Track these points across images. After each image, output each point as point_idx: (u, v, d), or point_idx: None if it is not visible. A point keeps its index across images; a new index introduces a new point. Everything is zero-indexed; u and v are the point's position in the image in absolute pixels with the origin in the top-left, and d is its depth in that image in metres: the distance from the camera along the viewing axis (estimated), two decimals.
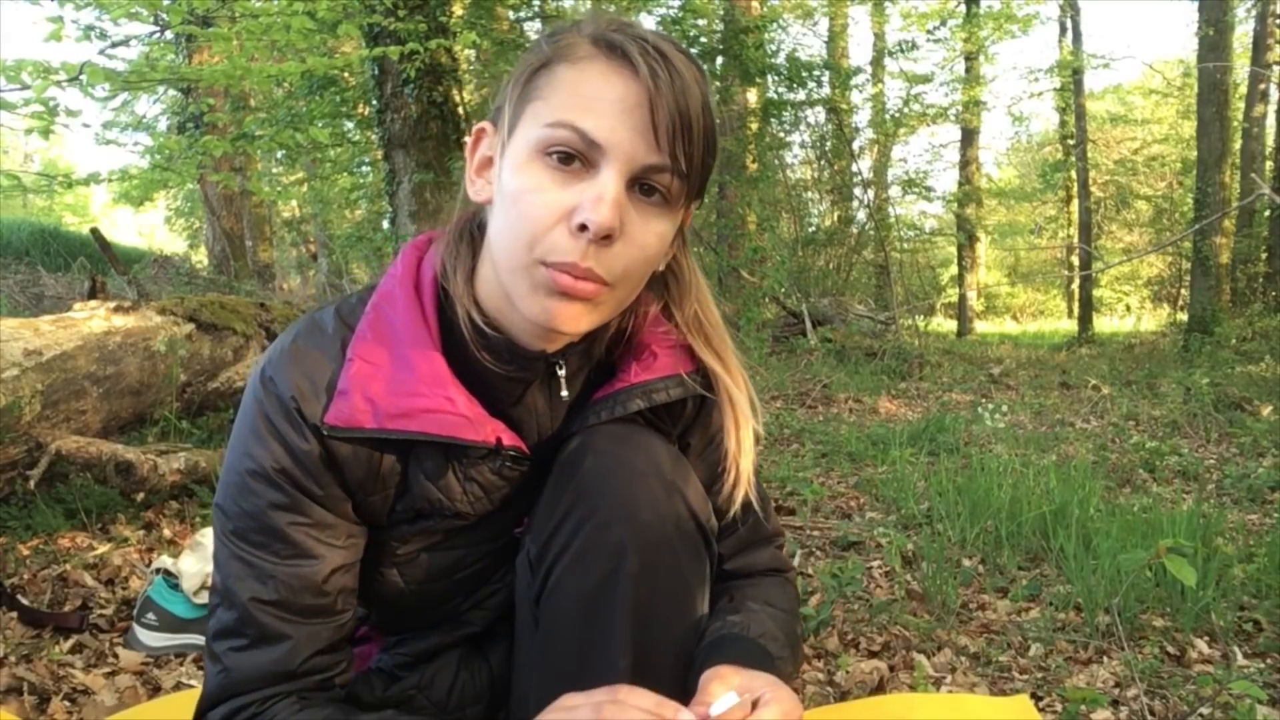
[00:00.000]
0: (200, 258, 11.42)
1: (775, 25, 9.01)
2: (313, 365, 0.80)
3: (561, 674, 0.81)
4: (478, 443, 0.81)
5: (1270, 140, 10.88)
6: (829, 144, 10.37)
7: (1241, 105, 10.47)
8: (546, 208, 0.73)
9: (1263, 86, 10.15)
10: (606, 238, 0.72)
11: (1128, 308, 16.88)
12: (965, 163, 13.19)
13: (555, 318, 0.75)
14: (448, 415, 0.79)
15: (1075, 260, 14.21)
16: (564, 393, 0.87)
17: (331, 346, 0.81)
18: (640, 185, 0.75)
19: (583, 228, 0.71)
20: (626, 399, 0.86)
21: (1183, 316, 10.59)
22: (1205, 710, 1.45)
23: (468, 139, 0.85)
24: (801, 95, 8.99)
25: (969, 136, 13.30)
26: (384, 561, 0.88)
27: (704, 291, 0.92)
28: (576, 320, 0.76)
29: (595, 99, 0.73)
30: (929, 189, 11.83)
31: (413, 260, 0.86)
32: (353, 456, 0.81)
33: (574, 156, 0.73)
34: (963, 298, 12.85)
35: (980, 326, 14.36)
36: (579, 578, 0.80)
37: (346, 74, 6.69)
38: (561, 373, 0.86)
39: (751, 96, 8.65)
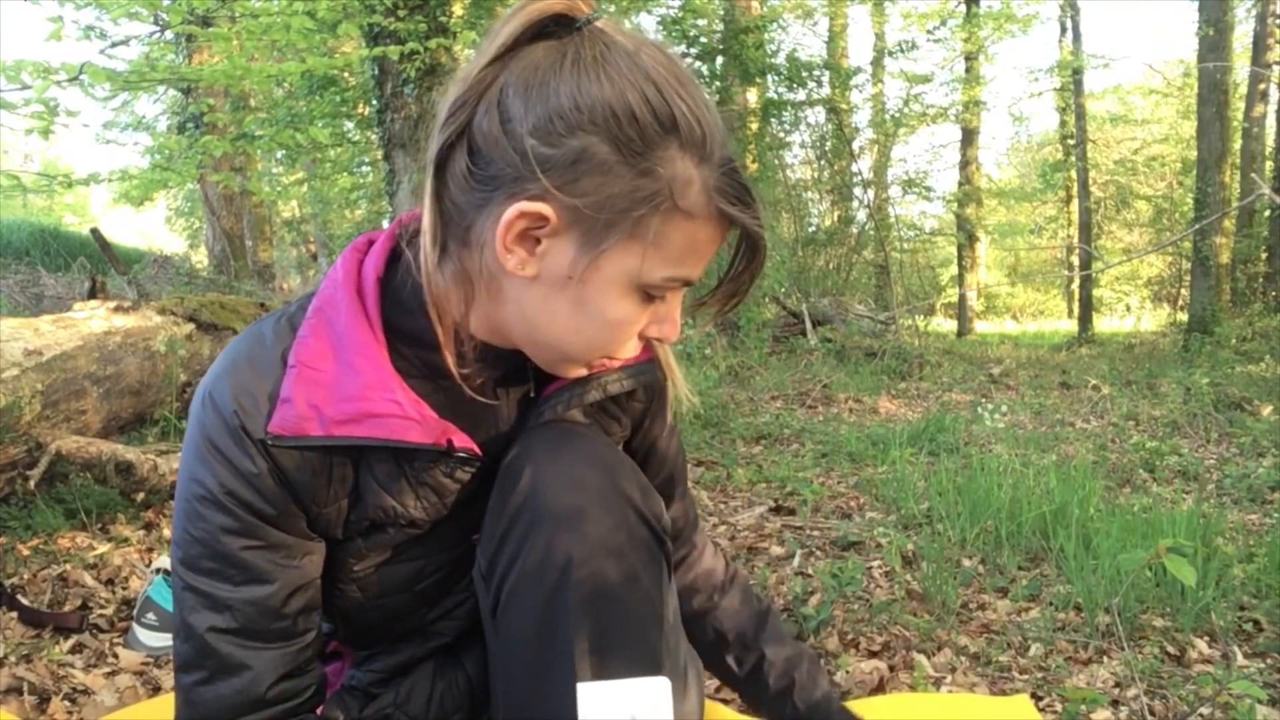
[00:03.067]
0: (200, 258, 11.42)
1: (775, 25, 9.02)
2: (253, 378, 0.77)
3: (522, 687, 0.79)
4: (428, 445, 0.78)
5: (1270, 140, 10.88)
6: (829, 144, 10.39)
7: (1241, 105, 10.47)
8: (632, 331, 0.78)
9: (1263, 86, 10.15)
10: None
11: (1128, 308, 16.88)
12: (965, 163, 13.19)
13: (574, 374, 0.84)
14: (395, 419, 0.76)
15: (1075, 260, 14.21)
16: (533, 394, 0.88)
17: (272, 356, 0.78)
18: None
19: (656, 341, 0.81)
20: (582, 391, 0.86)
21: (1183, 316, 10.59)
22: (1205, 710, 1.45)
23: None
24: (801, 95, 9.02)
25: (969, 136, 13.30)
26: (342, 579, 0.86)
27: None
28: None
29: (701, 252, 0.76)
30: (929, 189, 11.88)
31: (353, 263, 0.82)
32: (303, 467, 0.78)
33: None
34: (963, 298, 12.86)
35: (980, 326, 14.37)
36: (529, 593, 0.78)
37: (346, 74, 6.69)
38: (530, 369, 0.86)
39: (751, 96, 8.66)
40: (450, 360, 0.79)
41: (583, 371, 0.84)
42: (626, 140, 0.69)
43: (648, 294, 0.75)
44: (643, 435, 0.98)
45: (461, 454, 0.81)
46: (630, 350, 0.81)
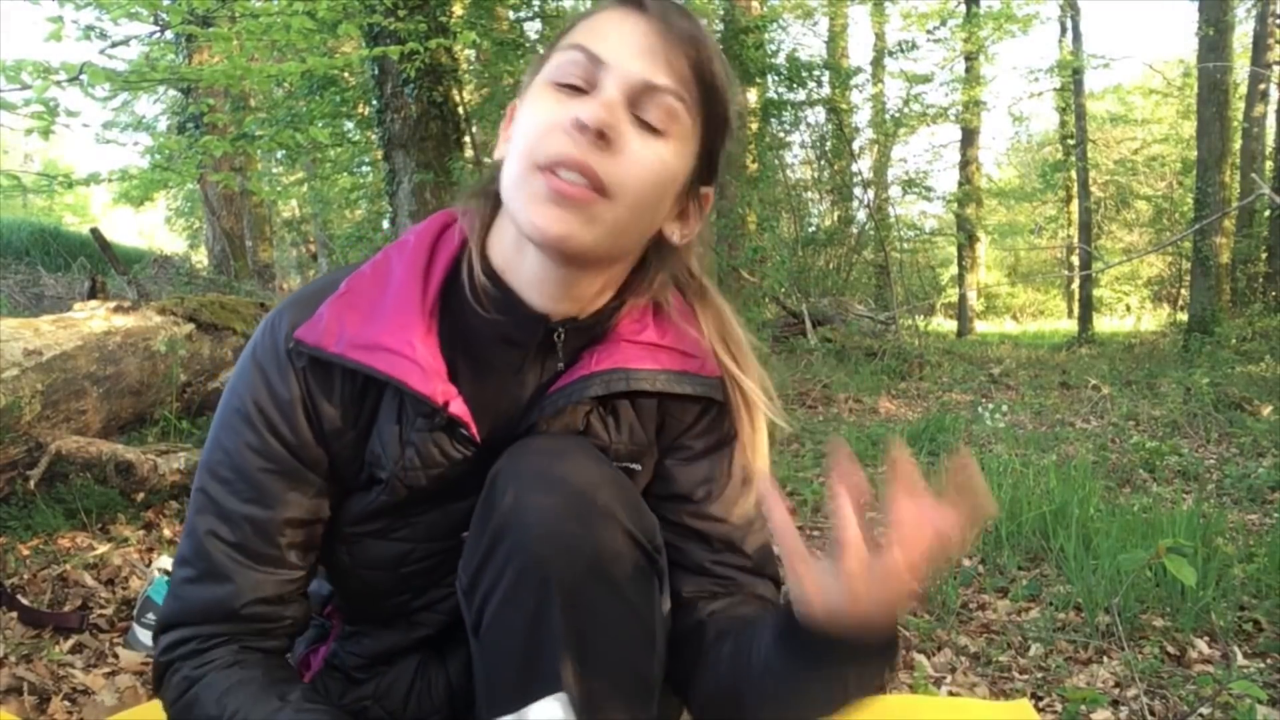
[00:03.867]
0: (200, 258, 11.40)
1: (775, 25, 9.02)
2: (313, 307, 0.82)
3: (508, 707, 0.78)
4: (423, 395, 0.79)
5: (1270, 140, 10.88)
6: (829, 144, 10.37)
7: (1241, 105, 10.47)
8: (546, 121, 0.76)
9: (1263, 86, 10.14)
10: (603, 137, 0.73)
11: (1128, 308, 16.86)
12: (965, 163, 13.19)
13: (547, 222, 0.75)
14: (403, 359, 0.79)
15: (1075, 260, 14.21)
16: (560, 364, 0.86)
17: (333, 288, 0.83)
18: (643, 116, 0.77)
19: (578, 124, 0.73)
20: (585, 386, 0.84)
21: (1183, 316, 10.58)
22: (1205, 710, 1.45)
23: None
24: (801, 95, 9.00)
25: (969, 136, 13.30)
26: (337, 539, 0.89)
27: (720, 302, 0.92)
28: (568, 231, 0.75)
29: (604, 31, 0.77)
30: (929, 189, 11.83)
31: (436, 226, 0.88)
32: (332, 395, 0.82)
33: (579, 86, 0.76)
34: (963, 298, 12.85)
35: (980, 326, 14.36)
36: (510, 616, 0.78)
37: (346, 74, 6.69)
38: (559, 341, 0.84)
39: (751, 96, 8.64)
40: (472, 284, 0.82)
41: (542, 212, 0.75)
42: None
43: (555, 84, 0.77)
44: (675, 458, 0.90)
45: (459, 426, 0.82)
46: (557, 141, 0.74)
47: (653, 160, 0.77)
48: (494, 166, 0.85)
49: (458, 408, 0.82)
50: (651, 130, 0.77)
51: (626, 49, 0.76)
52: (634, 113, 0.76)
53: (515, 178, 0.77)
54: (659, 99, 0.76)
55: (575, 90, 0.76)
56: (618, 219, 0.77)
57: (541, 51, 0.82)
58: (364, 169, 9.16)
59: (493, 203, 0.85)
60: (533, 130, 0.76)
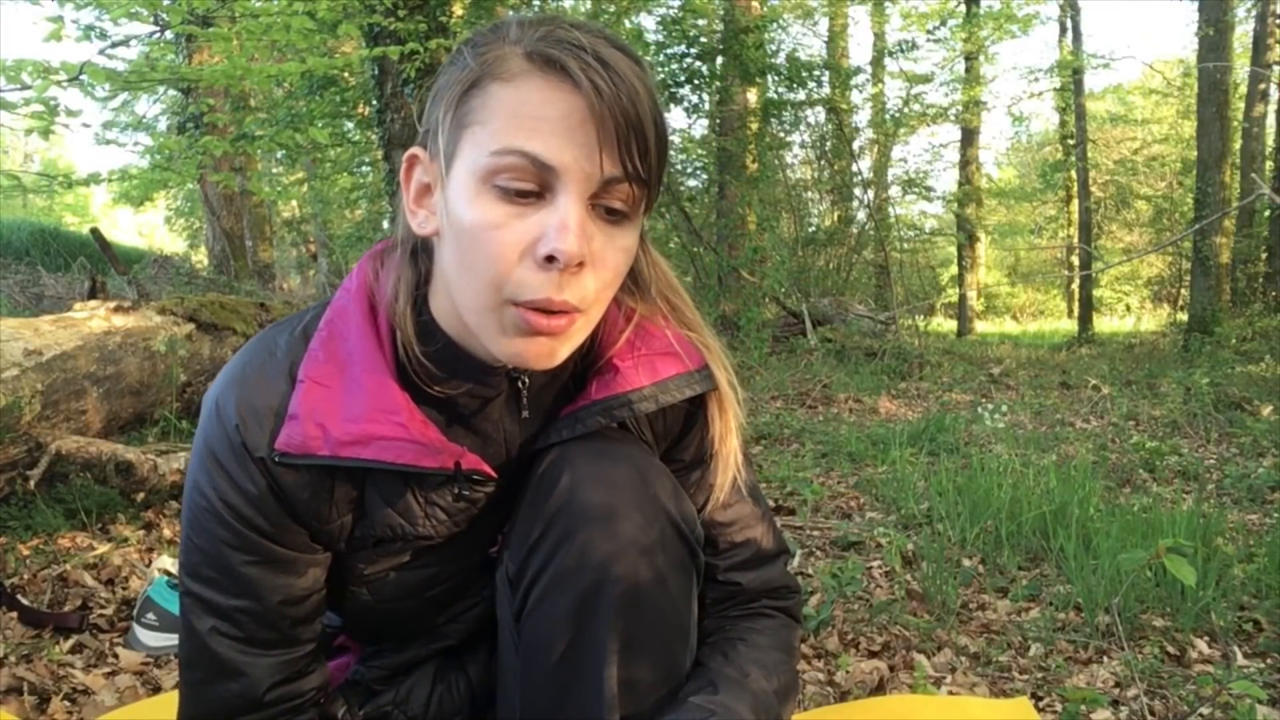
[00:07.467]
0: (200, 258, 11.41)
1: (775, 25, 9.02)
2: (259, 391, 0.77)
3: (545, 692, 0.79)
4: (435, 469, 0.78)
5: (1270, 140, 10.87)
6: (829, 144, 10.38)
7: (1241, 105, 10.47)
8: (508, 245, 0.69)
9: (1263, 86, 10.14)
10: (579, 265, 0.69)
11: (1128, 308, 16.88)
12: (965, 163, 13.19)
13: (529, 358, 0.72)
14: (402, 442, 0.76)
15: (1075, 260, 14.21)
16: (525, 413, 0.84)
17: (280, 369, 0.78)
18: (601, 204, 0.71)
19: (550, 259, 0.68)
20: (586, 416, 0.83)
21: (1183, 316, 10.58)
22: (1205, 710, 1.45)
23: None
24: (801, 95, 9.02)
25: (969, 136, 13.30)
26: (352, 580, 0.86)
27: (668, 274, 0.89)
28: (551, 357, 0.73)
29: (539, 119, 0.68)
30: (929, 189, 11.86)
31: (369, 272, 0.82)
32: (304, 485, 0.78)
33: (529, 188, 0.69)
34: (963, 298, 12.86)
35: (980, 326, 14.36)
36: (560, 598, 0.78)
37: (346, 74, 6.69)
38: (524, 389, 0.83)
39: (751, 96, 8.65)
40: (412, 369, 0.78)
41: (520, 345, 0.72)
42: (458, 56, 0.74)
43: (502, 187, 0.68)
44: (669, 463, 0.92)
45: (473, 475, 0.80)
46: (532, 281, 0.69)
47: (620, 257, 0.73)
48: (409, 231, 0.79)
49: (469, 461, 0.80)
50: (613, 218, 0.72)
51: (572, 145, 0.68)
52: (594, 209, 0.71)
53: (480, 306, 0.71)
54: (618, 189, 0.71)
55: (525, 193, 0.69)
56: (592, 321, 0.75)
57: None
58: (364, 169, 9.17)
59: (419, 268, 0.80)
60: (494, 253, 0.69)
